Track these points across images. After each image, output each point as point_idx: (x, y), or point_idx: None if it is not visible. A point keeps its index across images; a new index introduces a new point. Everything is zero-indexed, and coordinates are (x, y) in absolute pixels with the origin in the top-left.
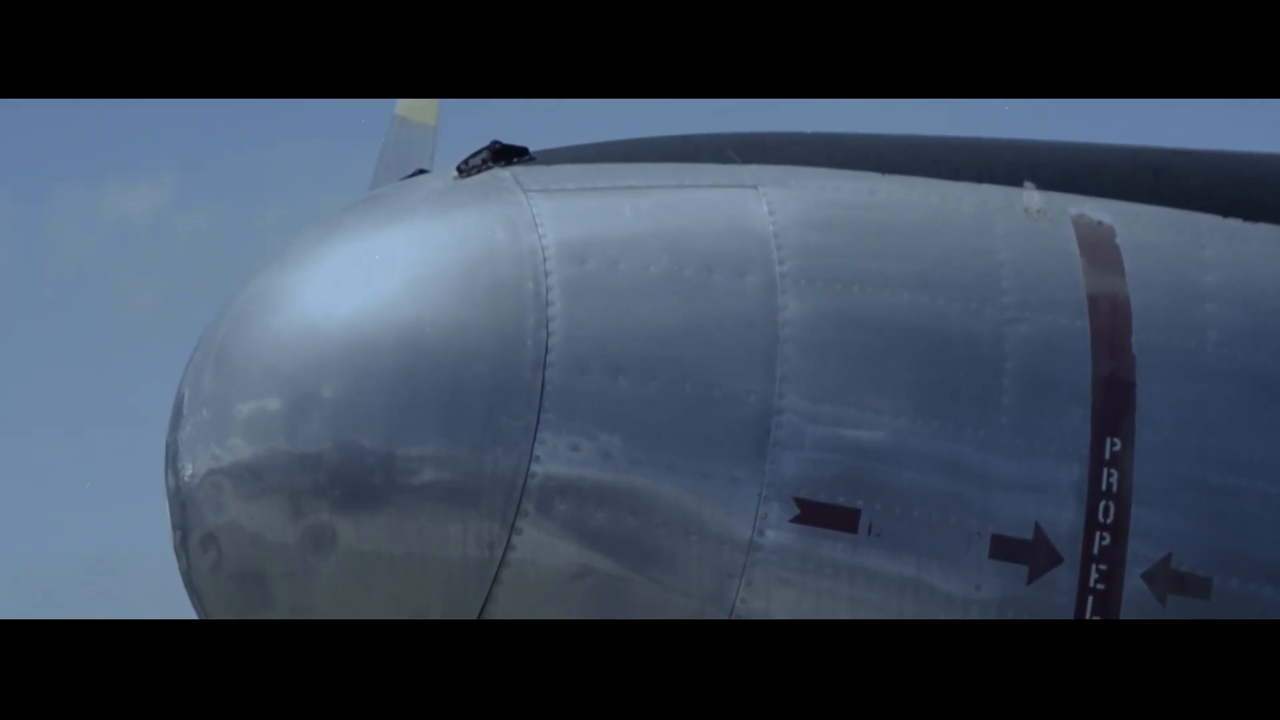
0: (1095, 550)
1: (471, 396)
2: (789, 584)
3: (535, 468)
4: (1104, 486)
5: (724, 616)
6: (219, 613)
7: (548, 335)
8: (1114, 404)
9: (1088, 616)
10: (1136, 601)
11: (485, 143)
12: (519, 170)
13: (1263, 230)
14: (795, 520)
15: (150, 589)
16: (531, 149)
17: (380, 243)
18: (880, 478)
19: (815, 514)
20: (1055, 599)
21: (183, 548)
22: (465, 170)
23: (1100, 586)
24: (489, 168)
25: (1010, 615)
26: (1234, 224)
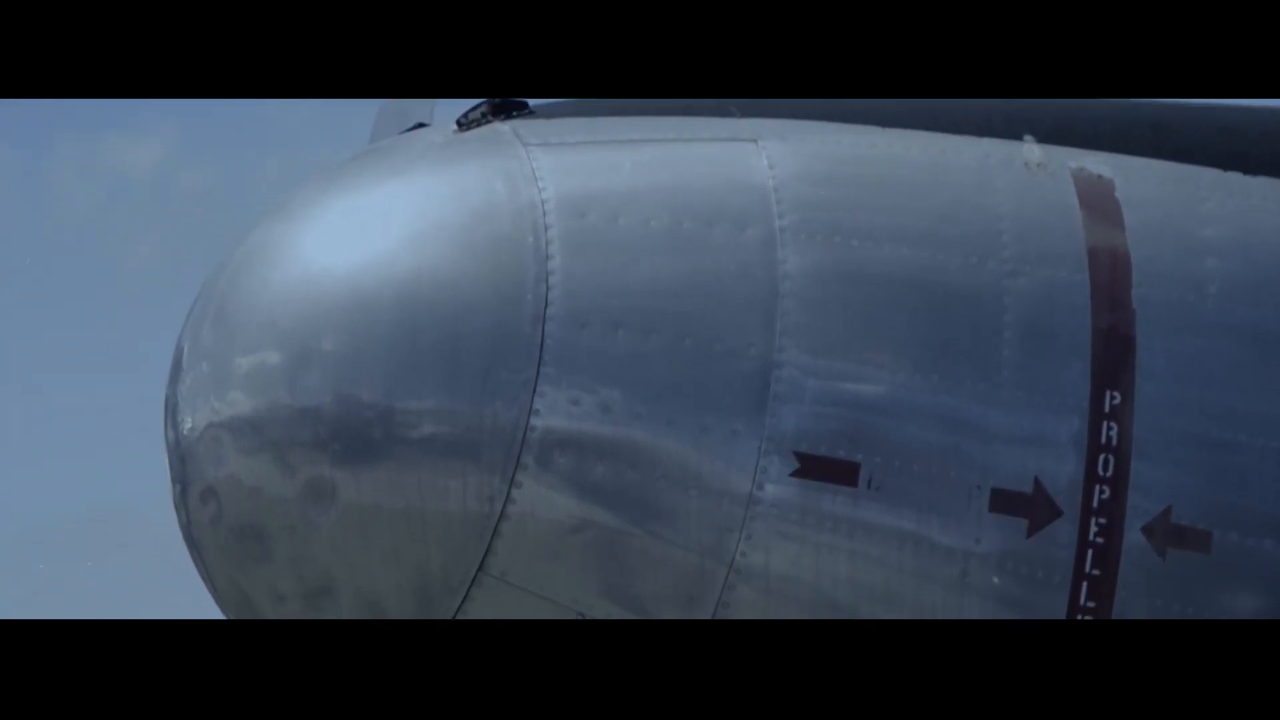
0: (1095, 504)
1: (471, 350)
2: (789, 538)
3: (535, 421)
4: (1103, 440)
5: (723, 570)
6: (218, 566)
7: (547, 289)
8: (1114, 358)
9: (1087, 570)
10: (1136, 555)
11: (485, 97)
12: (519, 124)
13: (1262, 184)
14: (795, 474)
15: (151, 542)
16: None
17: (380, 196)
18: (880, 431)
19: (815, 468)
20: (1055, 552)
21: (182, 501)
22: (465, 124)
23: (1100, 540)
24: (489, 122)
25: (1010, 568)
26: (1234, 177)
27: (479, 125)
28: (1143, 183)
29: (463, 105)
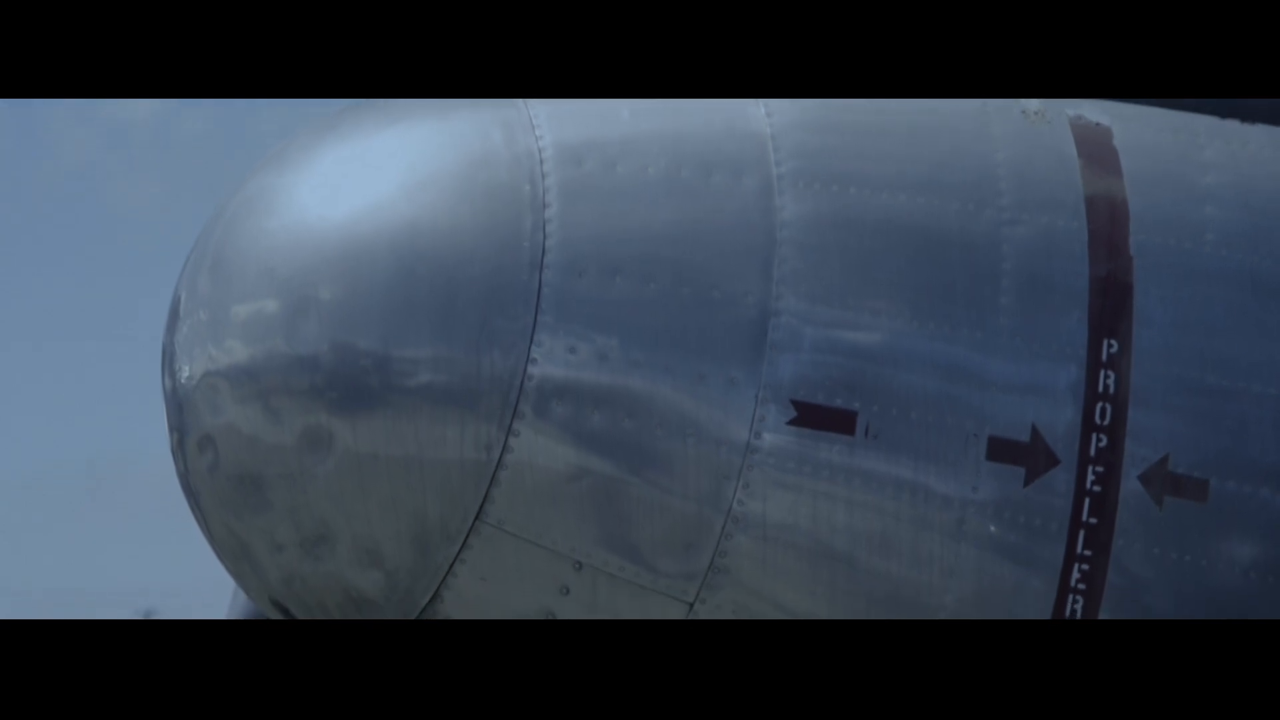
0: (1092, 452)
1: (468, 299)
2: (786, 486)
3: (532, 370)
4: (1101, 388)
5: (721, 518)
6: (215, 514)
7: (544, 237)
8: (1111, 306)
9: (1084, 519)
10: (1133, 504)
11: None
12: None
13: (1260, 132)
14: (792, 422)
15: (149, 490)
16: None
17: (376, 145)
18: (877, 380)
19: (812, 416)
20: (1052, 501)
21: (180, 449)
22: None
23: (1097, 489)
24: None
25: (1007, 517)
26: (1232, 125)
27: None
28: (1140, 130)
29: None
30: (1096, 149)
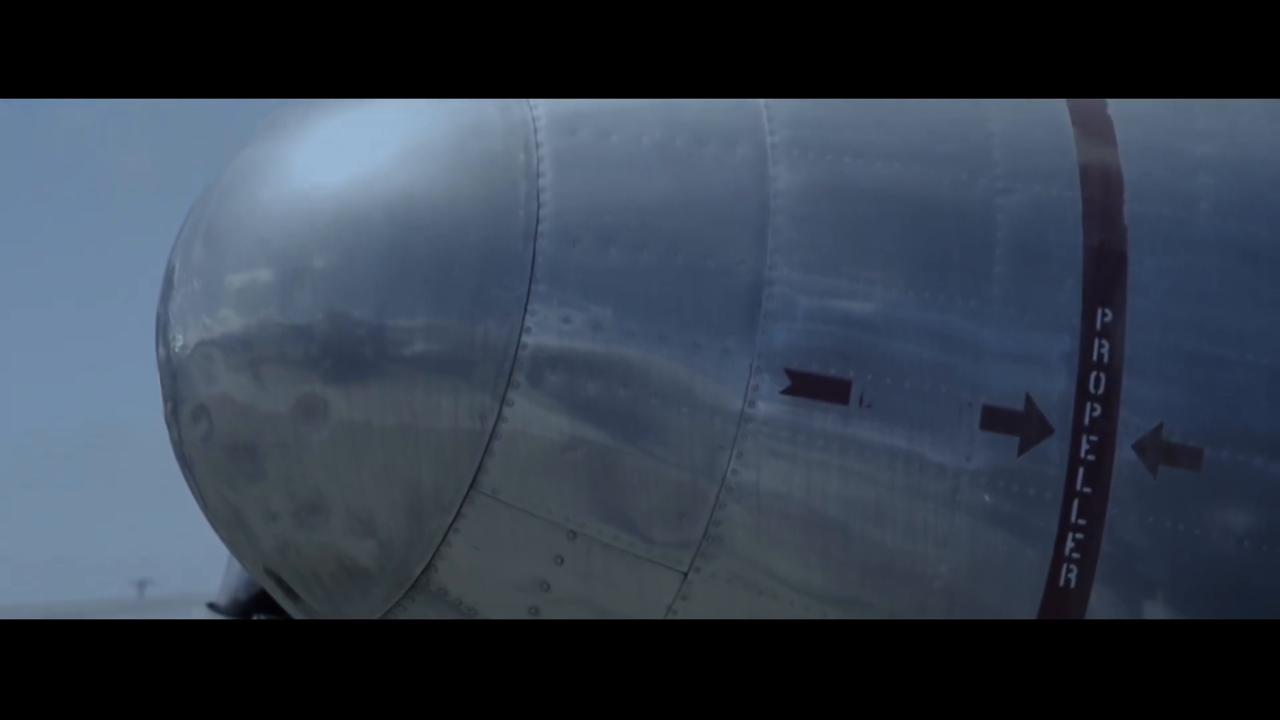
0: (1086, 421)
1: (462, 268)
2: (780, 455)
3: (526, 339)
4: (1095, 357)
5: (715, 487)
6: (210, 483)
7: (539, 206)
8: (1105, 275)
9: (1078, 488)
10: (1127, 473)
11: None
12: None
13: (1254, 102)
14: (786, 391)
15: (143, 460)
16: None
17: (371, 114)
18: (872, 349)
19: (806, 385)
20: (1046, 470)
21: (174, 419)
22: None
23: (1091, 458)
24: None
25: (1001, 486)
26: None
27: None
28: (1135, 100)
29: None
30: (1091, 118)
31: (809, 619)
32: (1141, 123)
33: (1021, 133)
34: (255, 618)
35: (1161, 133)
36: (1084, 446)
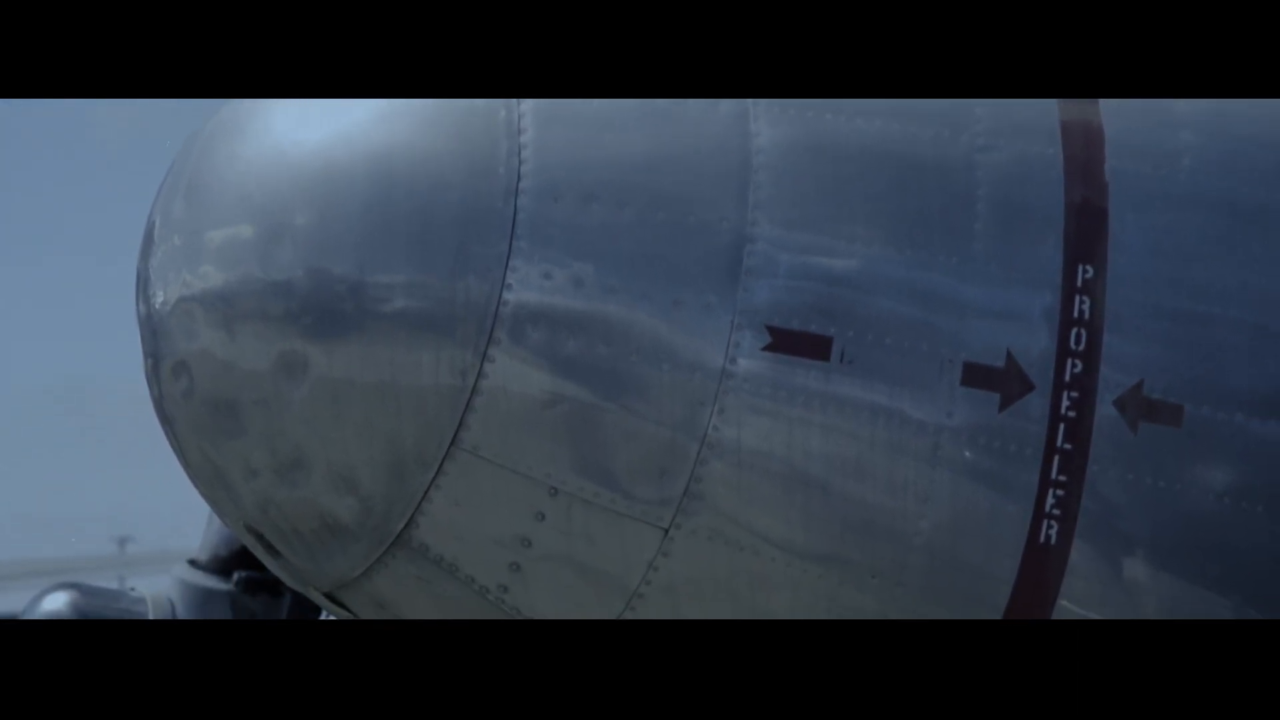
0: (1067, 377)
1: (443, 224)
2: (761, 412)
3: (507, 295)
4: (1076, 314)
5: (696, 444)
6: (190, 440)
7: (520, 163)
8: (1087, 231)
9: (1059, 444)
10: (1107, 429)
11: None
12: None
13: None
14: (767, 348)
15: (123, 416)
16: None
17: None
18: (853, 305)
19: (788, 342)
20: (1027, 426)
21: (154, 375)
22: None
23: (1072, 414)
24: None
25: (982, 442)
26: None
27: None
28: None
29: None
30: None
31: (790, 619)
32: None
33: None
34: (236, 575)
35: None
36: (1065, 403)
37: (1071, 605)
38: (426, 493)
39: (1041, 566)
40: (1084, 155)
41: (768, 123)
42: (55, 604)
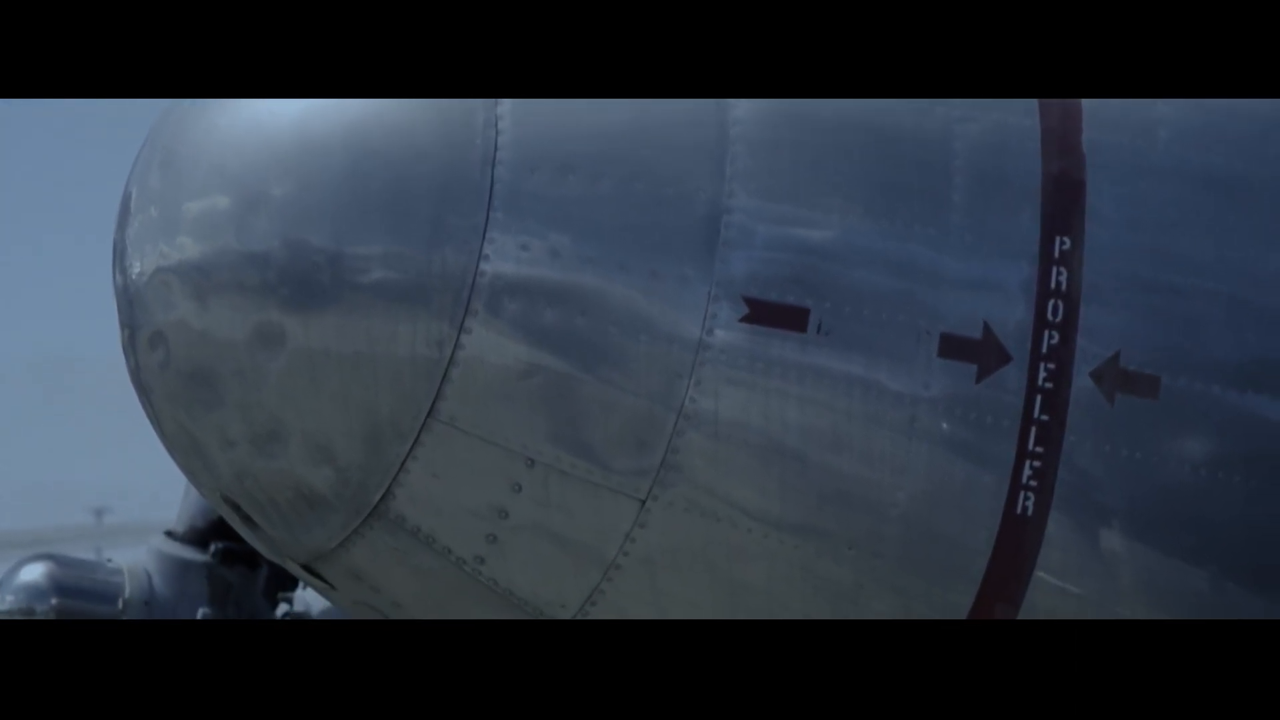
0: (1044, 349)
1: (420, 195)
2: (738, 383)
3: (484, 267)
4: (1053, 285)
5: (673, 415)
6: (167, 411)
7: (496, 134)
8: (1064, 203)
9: (1036, 415)
10: (1084, 400)
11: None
12: None
13: None
14: (744, 319)
15: (100, 387)
16: None
17: None
18: (830, 277)
19: (764, 313)
20: (1004, 398)
21: (131, 346)
22: None
23: (1048, 385)
24: None
25: (959, 414)
26: None
27: None
28: None
29: None
30: None
31: (774, 619)
32: None
33: None
34: (213, 546)
35: None
36: (1041, 374)
37: (1048, 576)
38: (403, 464)
39: (1018, 537)
40: (1061, 127)
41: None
42: (32, 575)
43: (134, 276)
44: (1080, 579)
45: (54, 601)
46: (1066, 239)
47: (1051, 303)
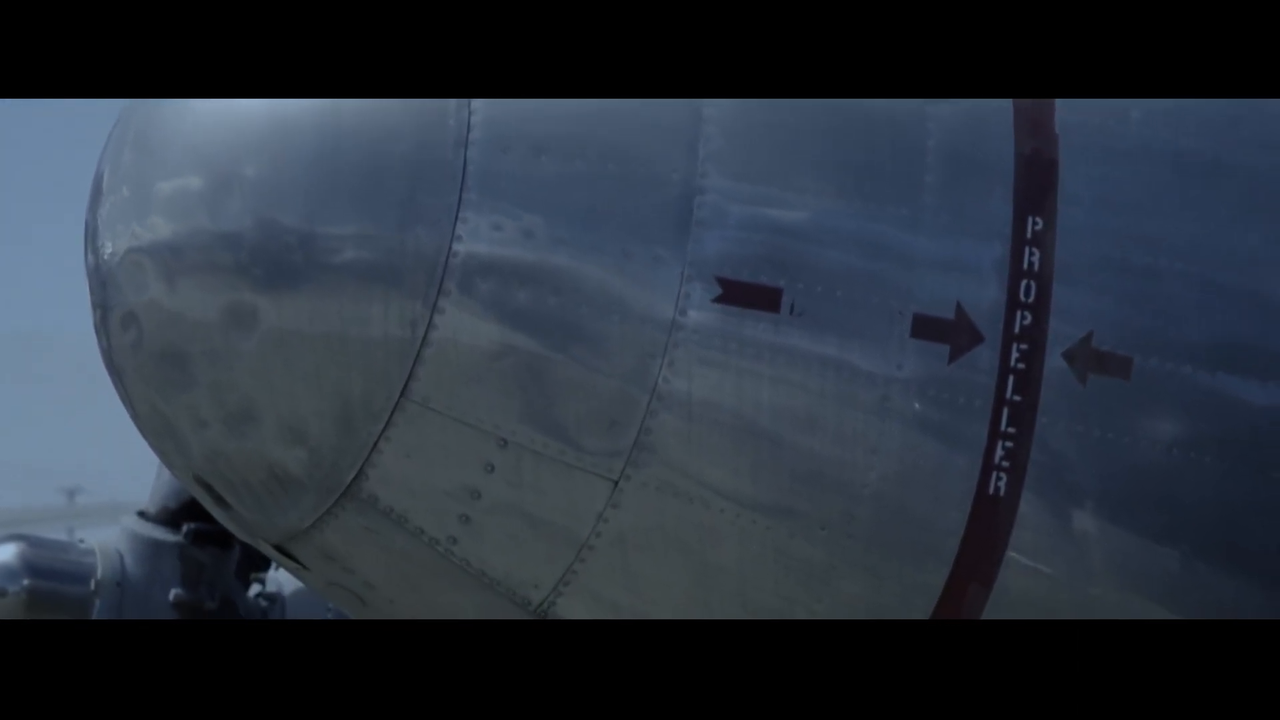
0: (1016, 329)
1: (392, 175)
2: (711, 364)
3: (457, 247)
4: (1026, 265)
5: (645, 396)
6: (139, 391)
7: (469, 114)
8: (1036, 183)
9: (1008, 396)
10: (1056, 381)
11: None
12: None
13: None
14: (717, 300)
15: (74, 367)
16: None
17: None
18: (803, 257)
19: (737, 293)
20: (976, 378)
21: (103, 326)
22: None
23: (1021, 366)
24: None
25: (931, 394)
26: None
27: None
28: None
29: None
30: None
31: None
32: None
33: None
34: (185, 527)
35: None
36: (1014, 354)
37: (1020, 557)
38: (376, 444)
39: (990, 518)
40: (1034, 107)
41: None
42: (3, 555)
43: (106, 256)
44: (1052, 559)
45: (25, 582)
46: (1039, 219)
47: (1024, 283)
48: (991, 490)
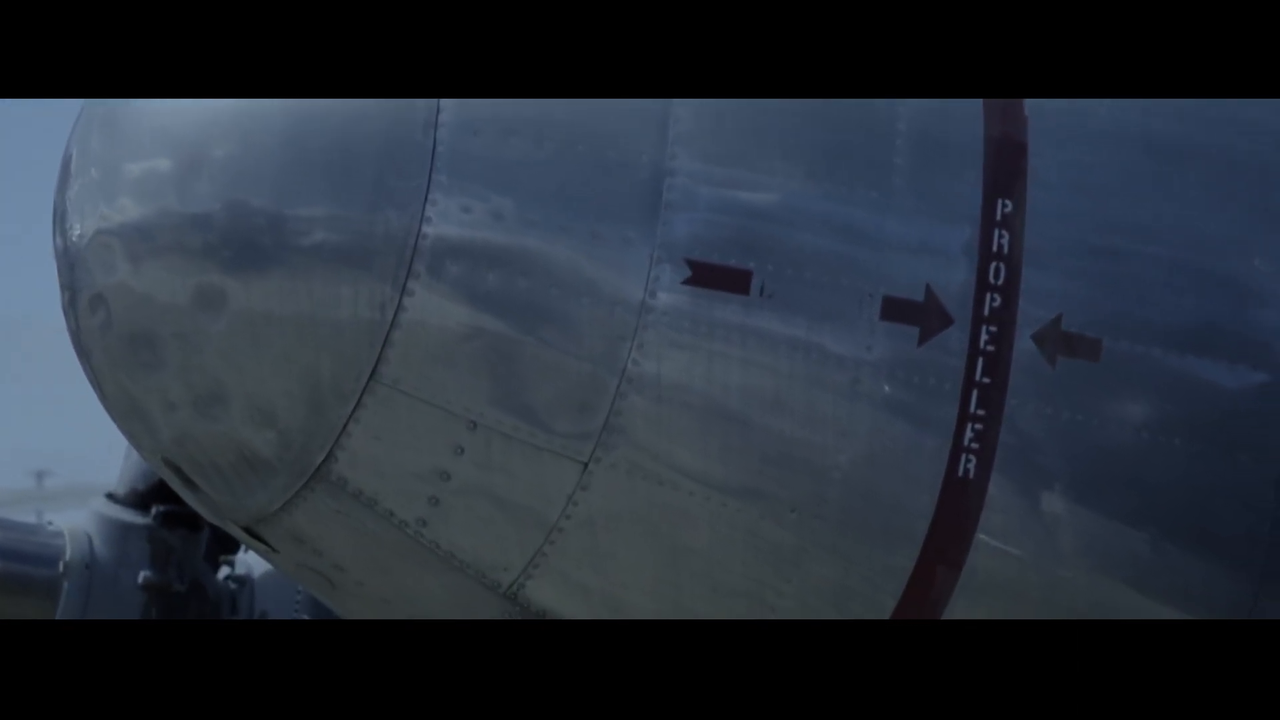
0: (986, 312)
1: (362, 157)
2: (681, 346)
3: (427, 229)
4: (995, 248)
5: (615, 378)
6: (108, 373)
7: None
8: (1006, 165)
9: (978, 378)
10: (1026, 363)
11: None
12: None
13: None
14: (687, 282)
15: (40, 350)
16: None
17: None
18: (772, 239)
19: (707, 275)
20: (946, 360)
21: (71, 308)
22: None
23: (990, 348)
24: None
25: (901, 377)
26: None
27: None
28: None
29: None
30: None
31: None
32: None
33: None
34: (154, 509)
35: None
36: (983, 337)
37: (989, 539)
38: (345, 426)
39: (960, 500)
40: None
41: None
42: None
43: (74, 238)
44: (1021, 541)
45: None
46: (1008, 202)
47: (993, 265)
48: (961, 472)
